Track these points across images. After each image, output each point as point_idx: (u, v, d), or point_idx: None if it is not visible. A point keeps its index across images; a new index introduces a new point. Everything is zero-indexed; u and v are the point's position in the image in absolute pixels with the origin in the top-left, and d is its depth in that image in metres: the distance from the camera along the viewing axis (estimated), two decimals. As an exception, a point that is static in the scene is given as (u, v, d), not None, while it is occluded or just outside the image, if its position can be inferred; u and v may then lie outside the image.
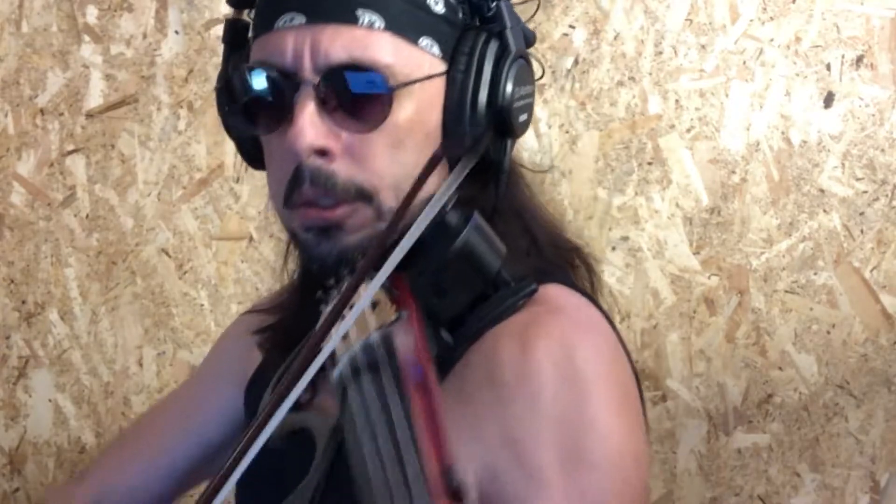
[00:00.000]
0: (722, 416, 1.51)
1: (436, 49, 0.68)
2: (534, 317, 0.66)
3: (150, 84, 1.53)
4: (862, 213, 1.47)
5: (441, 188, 0.66)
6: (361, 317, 0.52)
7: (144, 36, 1.54)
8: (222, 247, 1.54)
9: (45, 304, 1.56)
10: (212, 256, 1.54)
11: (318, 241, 0.68)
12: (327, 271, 0.66)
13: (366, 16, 0.65)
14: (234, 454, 0.59)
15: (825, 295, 1.48)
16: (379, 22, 0.65)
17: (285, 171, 0.67)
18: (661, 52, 1.48)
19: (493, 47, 0.68)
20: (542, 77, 0.75)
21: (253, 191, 1.52)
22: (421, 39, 0.67)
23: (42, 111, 1.55)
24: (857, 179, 1.47)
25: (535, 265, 0.71)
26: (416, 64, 0.67)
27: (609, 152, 1.49)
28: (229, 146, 1.52)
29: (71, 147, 1.55)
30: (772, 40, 1.47)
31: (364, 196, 0.67)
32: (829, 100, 1.47)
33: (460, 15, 0.70)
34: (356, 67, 0.65)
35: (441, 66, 0.68)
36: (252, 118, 0.69)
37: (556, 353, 0.63)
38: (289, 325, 0.80)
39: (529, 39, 0.73)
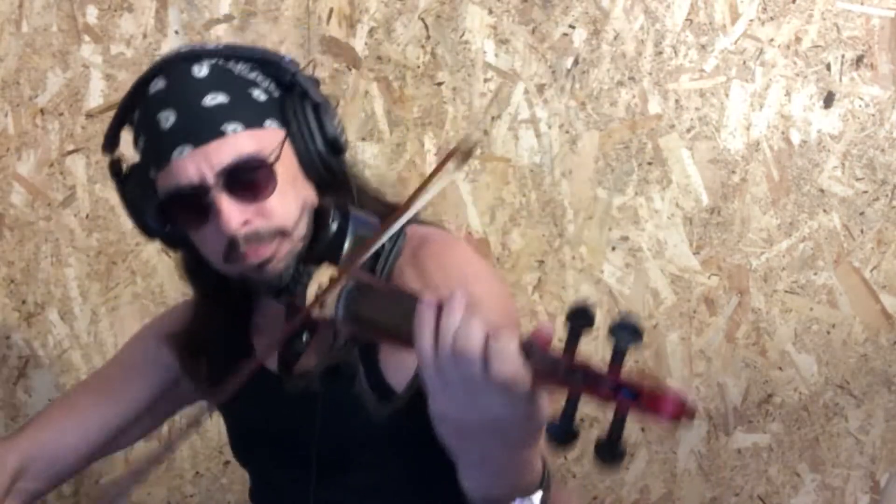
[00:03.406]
0: (722, 416, 1.51)
1: (275, 124, 0.97)
2: (414, 249, 0.98)
3: (150, 84, 1.53)
4: (862, 213, 1.47)
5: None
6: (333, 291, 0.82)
7: (144, 36, 1.54)
8: (222, 247, 1.54)
9: (45, 304, 1.56)
10: (212, 256, 1.54)
11: (260, 272, 0.96)
12: (275, 288, 0.96)
13: (228, 126, 0.93)
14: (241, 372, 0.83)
15: (825, 295, 1.48)
16: (239, 127, 0.94)
17: (221, 244, 0.95)
18: (661, 52, 1.48)
19: (306, 104, 0.98)
20: (337, 105, 1.05)
21: (253, 191, 1.52)
22: (265, 122, 0.96)
23: (42, 111, 1.55)
24: (857, 179, 1.47)
25: None
26: (270, 140, 0.96)
27: (609, 152, 1.49)
28: (229, 146, 1.52)
29: (71, 147, 1.55)
30: (772, 40, 1.47)
31: (282, 233, 0.95)
32: (829, 100, 1.47)
33: (276, 93, 0.99)
34: (240, 161, 0.93)
35: (282, 131, 0.97)
36: (181, 225, 0.98)
37: (441, 263, 0.96)
38: (218, 328, 1.09)
39: (318, 82, 1.02)
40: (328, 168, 0.99)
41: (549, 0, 1.49)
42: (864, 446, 1.50)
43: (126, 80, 1.53)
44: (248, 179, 0.93)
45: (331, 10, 1.51)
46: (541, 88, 1.49)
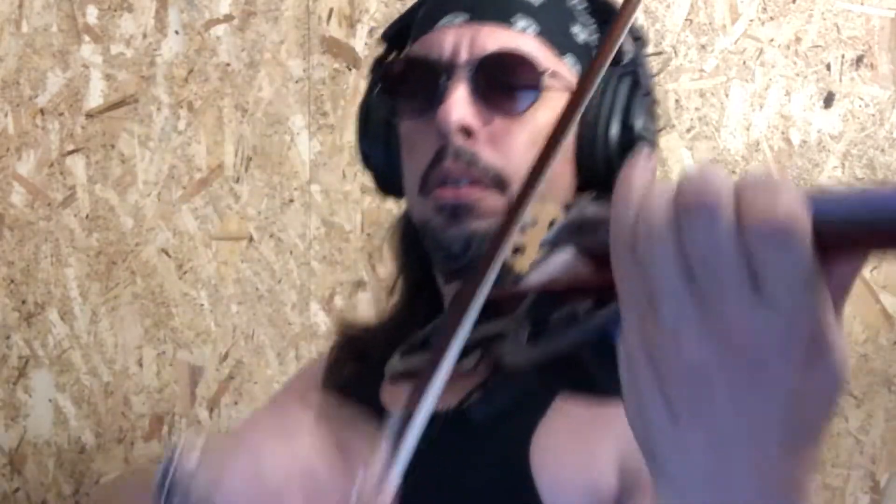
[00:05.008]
0: (722, 416, 1.50)
1: (576, 69, 0.74)
2: None
3: (150, 84, 1.53)
4: (862, 213, 1.47)
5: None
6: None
7: (144, 36, 1.54)
8: (222, 247, 1.54)
9: (45, 304, 1.56)
10: (212, 256, 1.54)
11: (448, 224, 0.71)
12: (452, 259, 0.70)
13: (521, 21, 0.72)
14: (437, 350, 0.57)
15: (825, 295, 1.48)
16: (532, 28, 0.73)
17: (427, 155, 0.72)
18: (661, 52, 1.48)
19: (626, 83, 0.74)
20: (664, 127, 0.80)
21: (253, 191, 1.52)
22: (565, 56, 0.74)
23: (42, 111, 1.55)
24: (857, 179, 1.47)
25: None
26: (557, 68, 0.73)
27: (609, 152, 1.49)
28: (229, 146, 1.52)
29: (71, 147, 1.55)
30: (772, 40, 1.47)
31: (499, 183, 0.71)
32: (829, 100, 1.47)
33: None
34: (506, 55, 0.71)
35: (576, 80, 0.73)
36: (401, 105, 0.75)
37: None
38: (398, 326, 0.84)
39: (651, 79, 0.79)
40: (607, 161, 0.73)
41: (549, 0, 1.49)
42: (864, 446, 1.50)
43: (126, 80, 1.54)
44: (503, 82, 0.72)
45: (331, 10, 1.51)
46: (541, 88, 1.49)
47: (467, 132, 0.70)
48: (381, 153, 0.80)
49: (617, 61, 0.77)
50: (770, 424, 0.36)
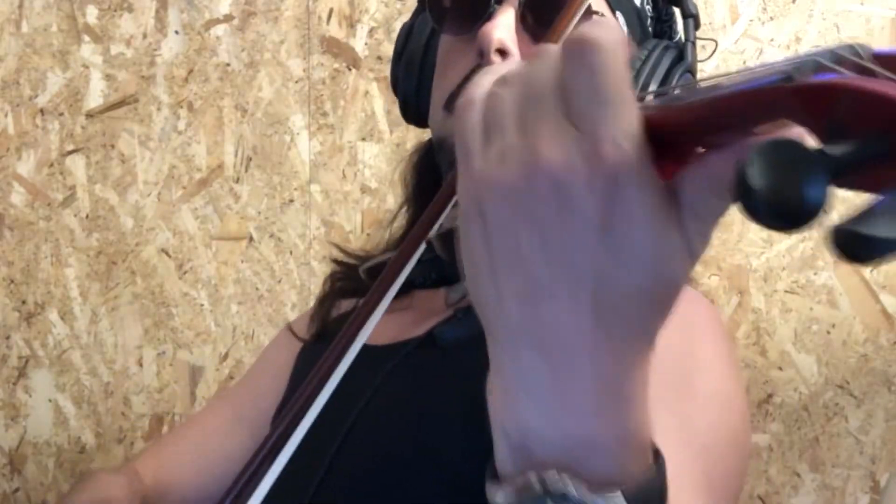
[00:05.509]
0: (722, 416, 1.50)
1: (624, 28, 0.74)
2: None
3: (150, 84, 1.53)
4: (862, 213, 1.47)
5: None
6: None
7: (144, 36, 1.54)
8: (222, 247, 1.54)
9: (45, 304, 1.56)
10: (212, 256, 1.54)
11: None
12: None
13: None
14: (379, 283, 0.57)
15: (825, 295, 1.48)
16: None
17: (460, 72, 0.71)
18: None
19: (670, 55, 0.74)
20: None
21: (253, 191, 1.52)
22: (617, 13, 0.74)
23: (42, 111, 1.55)
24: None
25: None
26: (606, 19, 0.73)
27: (609, 152, 1.49)
28: (229, 146, 1.52)
29: (71, 147, 1.55)
30: (772, 40, 1.47)
31: None
32: (829, 100, 1.47)
33: (649, 20, 0.78)
34: None
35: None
36: (445, 21, 0.74)
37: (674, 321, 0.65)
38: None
39: (696, 60, 0.80)
40: None
41: (549, 0, 1.48)
42: (864, 446, 1.50)
43: (126, 79, 1.54)
44: (553, 17, 0.68)
45: (331, 10, 1.51)
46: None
47: (505, 50, 0.69)
48: (412, 78, 0.81)
49: (668, 35, 0.79)
50: (579, 280, 0.34)
